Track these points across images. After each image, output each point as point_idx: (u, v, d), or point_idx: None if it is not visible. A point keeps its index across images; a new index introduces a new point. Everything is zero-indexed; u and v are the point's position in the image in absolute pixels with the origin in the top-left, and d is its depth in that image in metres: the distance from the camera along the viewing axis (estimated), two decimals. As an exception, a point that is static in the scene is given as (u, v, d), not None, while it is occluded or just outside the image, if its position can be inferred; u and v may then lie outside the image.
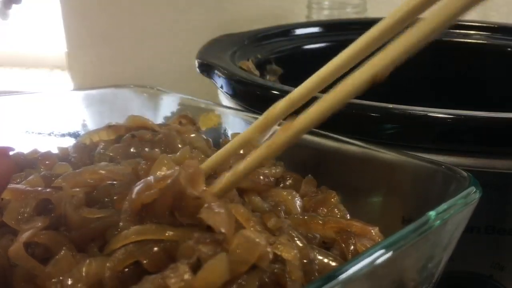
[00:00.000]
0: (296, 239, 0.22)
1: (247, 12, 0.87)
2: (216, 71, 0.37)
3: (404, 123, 0.30)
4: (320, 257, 0.22)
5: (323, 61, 0.42)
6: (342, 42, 0.51)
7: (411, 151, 0.27)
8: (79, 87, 0.95)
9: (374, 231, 0.24)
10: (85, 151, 0.28)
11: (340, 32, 0.53)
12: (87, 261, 0.20)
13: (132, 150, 0.27)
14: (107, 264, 0.20)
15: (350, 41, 0.50)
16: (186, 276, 0.18)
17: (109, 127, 0.30)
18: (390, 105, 0.30)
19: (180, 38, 0.90)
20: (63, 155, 0.29)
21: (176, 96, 0.37)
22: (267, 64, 0.45)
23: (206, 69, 0.39)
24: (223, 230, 0.19)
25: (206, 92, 0.92)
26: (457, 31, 0.55)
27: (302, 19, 0.82)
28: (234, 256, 0.19)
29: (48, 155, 0.28)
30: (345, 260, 0.22)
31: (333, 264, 0.22)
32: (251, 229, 0.21)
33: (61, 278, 0.20)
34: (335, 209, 0.26)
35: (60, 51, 0.98)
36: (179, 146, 0.28)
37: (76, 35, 0.92)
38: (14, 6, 0.80)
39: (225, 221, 0.20)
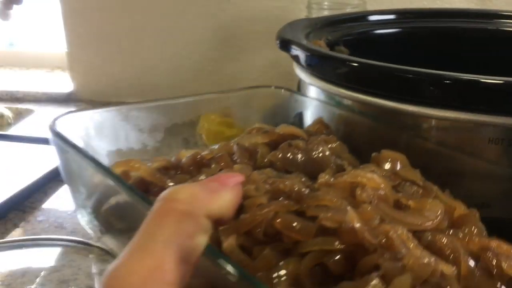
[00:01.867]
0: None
1: (247, 13, 0.87)
2: (293, 46, 0.43)
3: (460, 87, 0.34)
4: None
5: (386, 46, 0.46)
6: (409, 29, 0.56)
7: (463, 112, 0.33)
8: (78, 87, 0.96)
9: None
10: (247, 153, 0.32)
11: (409, 20, 0.58)
12: (285, 261, 0.24)
13: (289, 156, 0.30)
14: (302, 264, 0.24)
15: (417, 28, 0.54)
16: None
17: (265, 132, 0.33)
18: (453, 73, 0.34)
19: (180, 38, 0.90)
20: (230, 155, 0.32)
21: (306, 98, 0.41)
22: (335, 45, 0.50)
23: (285, 44, 0.44)
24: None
25: (205, 92, 0.92)
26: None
27: (302, 19, 0.82)
28: (413, 273, 0.22)
29: (223, 156, 0.31)
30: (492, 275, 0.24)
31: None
32: (417, 250, 0.24)
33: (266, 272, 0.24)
34: (474, 227, 0.27)
35: (61, 51, 0.99)
36: (328, 156, 0.31)
37: (76, 35, 0.93)
38: (14, 6, 0.80)
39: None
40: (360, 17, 0.56)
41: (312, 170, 0.30)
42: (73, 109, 0.92)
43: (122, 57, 0.93)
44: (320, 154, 0.30)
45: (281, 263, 0.24)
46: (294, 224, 0.24)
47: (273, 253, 0.24)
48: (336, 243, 0.24)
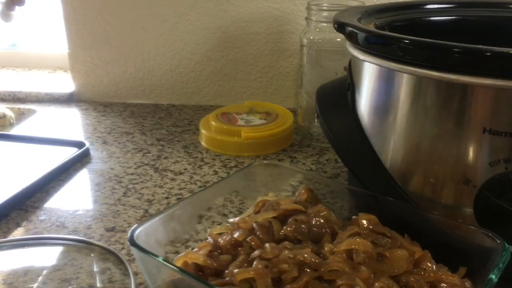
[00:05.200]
0: None
1: (246, 13, 0.88)
2: (348, 27, 0.49)
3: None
4: None
5: (428, 33, 0.48)
6: (453, 18, 0.61)
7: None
8: (80, 87, 0.96)
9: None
10: (265, 228, 0.41)
11: (454, 9, 0.62)
12: None
13: (297, 229, 0.41)
14: None
15: (460, 18, 0.60)
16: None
17: (274, 209, 0.43)
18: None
19: (180, 39, 0.91)
20: (250, 231, 0.41)
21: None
22: (382, 29, 0.55)
23: (341, 26, 0.50)
24: None
25: (205, 92, 0.93)
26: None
27: (302, 20, 0.83)
28: None
29: (253, 238, 0.39)
30: None
31: None
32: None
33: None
34: (429, 263, 0.38)
35: (63, 52, 0.99)
36: (323, 223, 0.41)
37: (78, 36, 0.93)
38: (17, 7, 0.81)
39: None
40: (404, 7, 0.62)
41: (314, 236, 0.40)
42: (75, 109, 0.93)
43: (123, 58, 0.94)
44: (318, 223, 0.41)
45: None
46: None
47: None
48: None
